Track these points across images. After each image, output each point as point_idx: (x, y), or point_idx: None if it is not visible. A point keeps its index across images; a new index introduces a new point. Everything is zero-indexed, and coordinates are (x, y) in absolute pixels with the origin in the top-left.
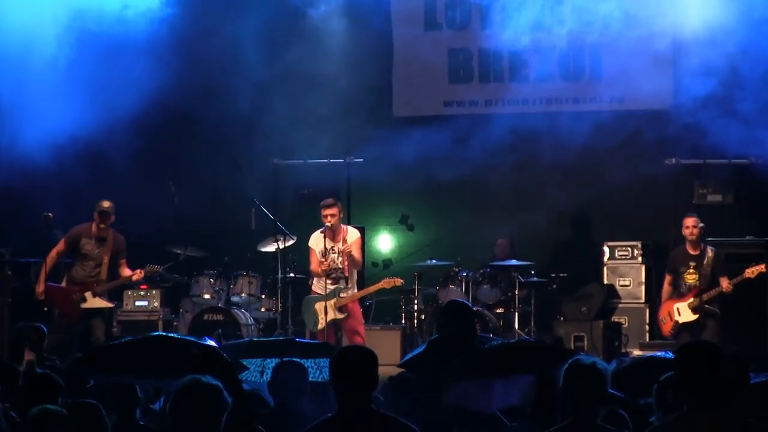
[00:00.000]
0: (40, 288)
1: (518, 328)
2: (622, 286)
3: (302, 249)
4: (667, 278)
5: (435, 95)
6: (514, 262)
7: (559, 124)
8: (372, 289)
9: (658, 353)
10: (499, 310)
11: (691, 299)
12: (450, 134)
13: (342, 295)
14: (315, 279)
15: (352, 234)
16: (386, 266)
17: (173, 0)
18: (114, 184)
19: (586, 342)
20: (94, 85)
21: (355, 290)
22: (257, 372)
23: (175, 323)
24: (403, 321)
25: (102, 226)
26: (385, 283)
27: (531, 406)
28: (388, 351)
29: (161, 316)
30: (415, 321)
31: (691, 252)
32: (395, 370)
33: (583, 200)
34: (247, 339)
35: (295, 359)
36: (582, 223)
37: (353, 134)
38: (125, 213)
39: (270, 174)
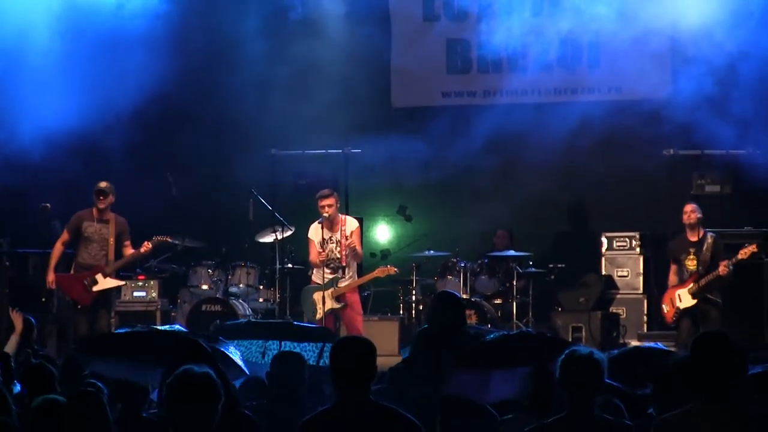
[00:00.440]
0: (50, 278)
1: (516, 319)
2: (620, 276)
3: (300, 239)
4: (672, 267)
5: (433, 86)
6: (512, 252)
7: (557, 115)
8: (367, 278)
9: (646, 344)
10: (497, 301)
11: (691, 284)
12: (448, 125)
13: (340, 284)
14: (314, 270)
15: (351, 224)
16: (384, 257)
17: None
18: (112, 175)
19: (584, 333)
20: (91, 77)
21: (354, 280)
22: (258, 353)
23: (173, 314)
24: (401, 312)
25: (101, 206)
26: (380, 272)
27: (528, 398)
28: (386, 341)
29: (159, 306)
30: (413, 311)
31: (691, 239)
32: (393, 361)
33: (581, 191)
34: (244, 320)
35: (292, 345)
36: (580, 214)
37: (351, 125)
38: (123, 204)
39: (268, 164)
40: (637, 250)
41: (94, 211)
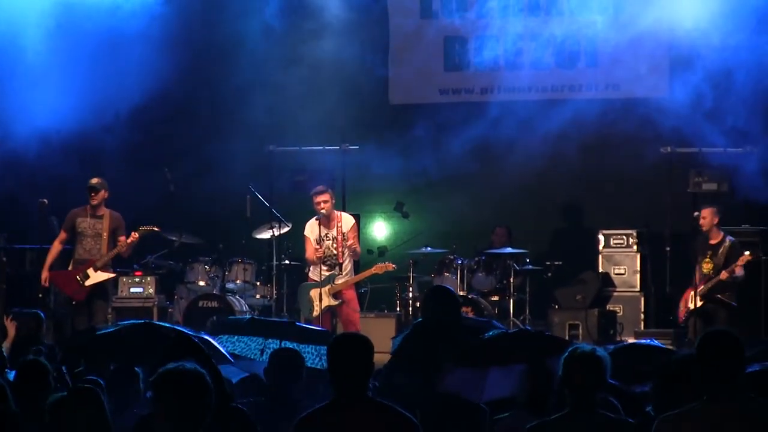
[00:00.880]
0: (44, 275)
1: (513, 316)
2: (617, 274)
3: (297, 236)
4: (695, 267)
5: (431, 83)
6: (509, 249)
7: (554, 112)
8: (364, 274)
9: (642, 341)
10: (494, 298)
11: (702, 287)
12: (445, 122)
13: (337, 281)
14: (311, 266)
15: (347, 221)
16: (381, 253)
17: None
18: (109, 172)
19: (581, 330)
20: (88, 75)
21: (351, 276)
22: (257, 350)
23: (169, 310)
24: (398, 308)
25: (94, 202)
26: (378, 269)
27: (525, 396)
28: (383, 338)
29: (156, 302)
30: (410, 308)
31: (711, 242)
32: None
33: (579, 188)
34: (248, 316)
35: (292, 345)
36: (577, 211)
37: (349, 121)
38: (121, 200)
39: (265, 161)
40: (635, 247)
41: (88, 207)
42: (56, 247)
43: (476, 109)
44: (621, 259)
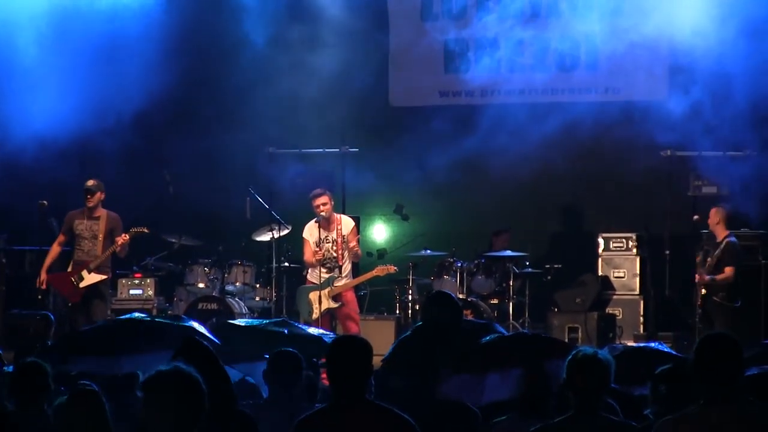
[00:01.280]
0: (41, 277)
1: (512, 319)
2: (616, 277)
3: (297, 238)
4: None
5: (431, 85)
6: (508, 252)
7: (554, 115)
8: (366, 276)
9: (650, 344)
10: (494, 301)
11: (697, 277)
12: (445, 124)
13: (336, 283)
14: (310, 269)
15: (347, 223)
16: (381, 256)
17: None
18: (109, 174)
19: (580, 333)
20: (86, 78)
21: (350, 279)
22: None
23: (169, 312)
24: (398, 311)
25: (90, 204)
26: (379, 271)
27: (521, 399)
28: (382, 341)
29: (155, 304)
30: (410, 311)
31: (716, 240)
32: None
33: (578, 191)
34: (244, 322)
35: (290, 349)
36: (577, 214)
37: (349, 123)
38: (120, 202)
39: (265, 163)
40: (634, 251)
41: (85, 209)
42: (55, 250)
43: (476, 111)
44: (620, 262)
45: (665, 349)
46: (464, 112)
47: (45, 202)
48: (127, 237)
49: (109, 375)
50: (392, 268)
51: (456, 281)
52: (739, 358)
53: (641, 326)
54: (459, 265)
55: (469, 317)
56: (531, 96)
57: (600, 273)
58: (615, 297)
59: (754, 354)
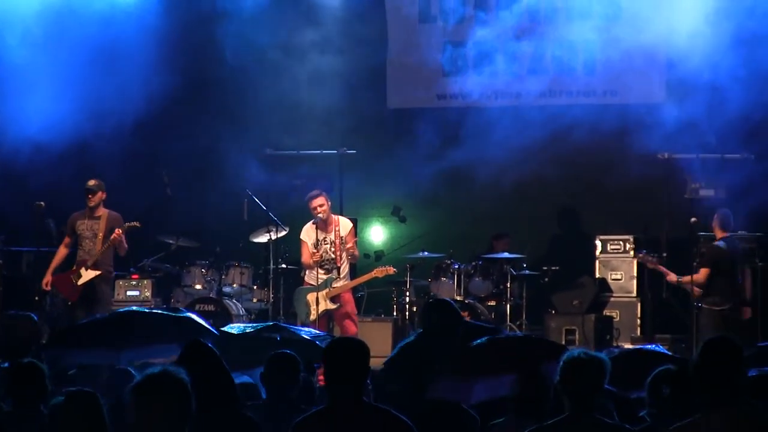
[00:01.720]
0: (46, 279)
1: (510, 321)
2: (614, 279)
3: (294, 240)
4: None
5: (429, 88)
6: (506, 254)
7: (552, 118)
8: (364, 278)
9: (648, 346)
10: (491, 303)
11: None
12: (443, 127)
13: (334, 285)
14: (307, 270)
15: (345, 225)
16: (378, 258)
17: None
18: (106, 175)
19: (577, 335)
20: (85, 78)
21: (348, 280)
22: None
23: None
24: (395, 313)
25: (91, 204)
26: (378, 272)
27: (516, 401)
28: (379, 343)
29: (152, 306)
30: (407, 313)
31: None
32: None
33: (576, 193)
34: (238, 330)
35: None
36: (574, 217)
37: (346, 126)
38: (118, 203)
39: (263, 165)
40: (631, 253)
41: (87, 209)
42: (61, 252)
43: (474, 114)
44: (618, 265)
45: (663, 351)
46: (462, 115)
47: (42, 203)
48: (120, 232)
49: (106, 372)
50: (391, 270)
51: (453, 283)
52: (740, 363)
53: (638, 328)
54: (456, 267)
55: (467, 319)
56: (528, 99)
57: (597, 275)
58: (612, 299)
59: (749, 355)
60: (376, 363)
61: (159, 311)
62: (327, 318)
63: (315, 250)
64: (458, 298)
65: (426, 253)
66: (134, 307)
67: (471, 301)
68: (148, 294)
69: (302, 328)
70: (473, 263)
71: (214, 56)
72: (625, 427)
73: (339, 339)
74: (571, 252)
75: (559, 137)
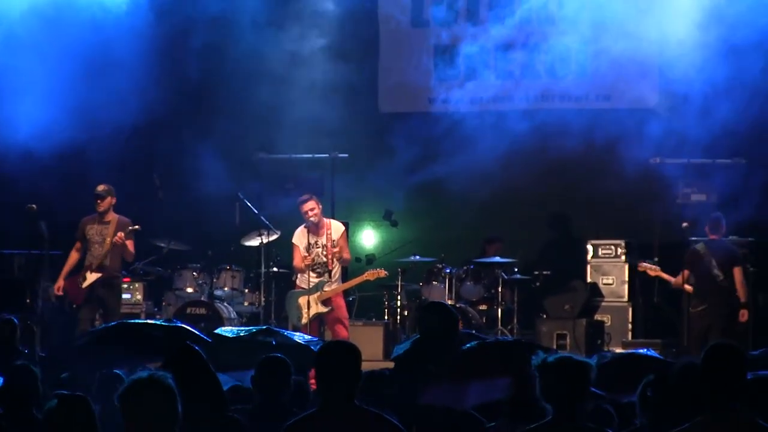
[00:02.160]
0: (58, 284)
1: (501, 326)
2: (605, 284)
3: (286, 243)
4: None
5: (420, 92)
6: (497, 259)
7: (544, 122)
8: (356, 281)
9: (641, 350)
10: (482, 307)
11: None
12: (435, 131)
13: (326, 288)
14: (299, 274)
15: (337, 228)
16: (369, 261)
17: None
18: (98, 178)
19: (568, 340)
20: (76, 81)
21: (340, 283)
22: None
23: (157, 316)
24: (386, 317)
25: (100, 209)
26: (369, 275)
27: (510, 405)
28: (370, 346)
29: (144, 309)
30: (398, 317)
31: None
32: (378, 366)
33: (567, 198)
34: (232, 333)
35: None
36: (566, 221)
37: (338, 129)
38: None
39: (255, 168)
40: (623, 258)
41: (96, 214)
42: (72, 257)
43: (465, 119)
44: (609, 269)
45: (655, 356)
46: (453, 120)
47: (34, 205)
48: (122, 235)
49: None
50: (382, 273)
51: (445, 287)
52: (743, 368)
53: (630, 333)
54: (448, 271)
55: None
56: (521, 103)
57: (589, 280)
58: (604, 304)
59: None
60: (367, 367)
61: (152, 322)
62: (318, 321)
63: (307, 254)
64: (450, 302)
65: (417, 257)
66: (125, 320)
67: (462, 305)
68: (139, 297)
69: (295, 333)
70: (465, 267)
71: (205, 60)
72: None
73: (331, 342)
74: (562, 256)
75: (552, 142)
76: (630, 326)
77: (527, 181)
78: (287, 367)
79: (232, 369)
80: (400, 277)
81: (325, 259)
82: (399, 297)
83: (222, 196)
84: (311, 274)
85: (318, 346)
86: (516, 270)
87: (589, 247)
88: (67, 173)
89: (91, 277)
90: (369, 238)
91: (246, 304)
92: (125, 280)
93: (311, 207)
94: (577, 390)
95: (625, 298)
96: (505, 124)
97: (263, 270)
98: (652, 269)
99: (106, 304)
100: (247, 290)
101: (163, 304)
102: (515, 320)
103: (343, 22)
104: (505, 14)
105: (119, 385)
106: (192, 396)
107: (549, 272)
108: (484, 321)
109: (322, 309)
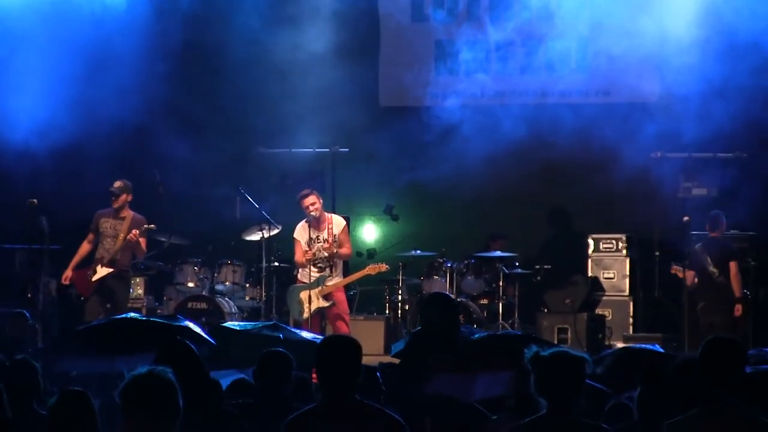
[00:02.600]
0: (66, 274)
1: (502, 320)
2: (606, 278)
3: (287, 238)
4: None
5: (421, 86)
6: (498, 253)
7: (545, 117)
8: (357, 275)
9: (645, 345)
10: (483, 301)
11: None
12: (435, 125)
13: (327, 283)
14: (300, 269)
15: (338, 222)
16: (370, 256)
17: None
18: (98, 172)
19: (569, 334)
20: (77, 76)
21: (341, 278)
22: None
23: (159, 311)
24: (387, 311)
25: (115, 206)
26: (371, 269)
27: (515, 399)
28: (371, 341)
29: (145, 303)
30: (399, 311)
31: None
32: (379, 360)
33: (568, 192)
34: (238, 326)
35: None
36: (566, 216)
37: (339, 124)
38: (110, 201)
39: (255, 163)
40: (624, 252)
41: (112, 210)
42: (84, 248)
43: (466, 112)
44: (610, 264)
45: (658, 350)
46: (453, 114)
47: (35, 200)
48: (137, 233)
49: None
50: (384, 267)
51: (446, 282)
52: (741, 363)
53: (630, 327)
54: (449, 265)
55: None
56: (522, 97)
57: (590, 274)
58: (604, 298)
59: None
60: (368, 361)
61: (156, 319)
62: (320, 316)
63: (308, 249)
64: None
65: (418, 251)
66: (131, 314)
67: (463, 299)
68: (140, 292)
69: (301, 331)
70: (466, 262)
71: (205, 55)
72: (602, 426)
73: (331, 337)
74: (563, 251)
75: (553, 136)
76: (631, 320)
77: (528, 175)
78: (289, 361)
79: (239, 362)
80: (401, 272)
81: (326, 254)
82: (400, 291)
83: (223, 191)
84: (312, 268)
85: None
86: (517, 264)
87: (590, 242)
88: (67, 169)
89: (102, 271)
90: (370, 232)
91: (247, 298)
92: None
93: (312, 201)
94: (573, 384)
95: (626, 293)
96: (506, 120)
97: (264, 265)
98: (681, 271)
99: (114, 297)
100: (248, 285)
101: (164, 298)
102: (516, 314)
103: (344, 16)
104: (506, 9)
105: (119, 381)
106: (183, 391)
107: (550, 266)
108: (485, 315)
109: (324, 303)
